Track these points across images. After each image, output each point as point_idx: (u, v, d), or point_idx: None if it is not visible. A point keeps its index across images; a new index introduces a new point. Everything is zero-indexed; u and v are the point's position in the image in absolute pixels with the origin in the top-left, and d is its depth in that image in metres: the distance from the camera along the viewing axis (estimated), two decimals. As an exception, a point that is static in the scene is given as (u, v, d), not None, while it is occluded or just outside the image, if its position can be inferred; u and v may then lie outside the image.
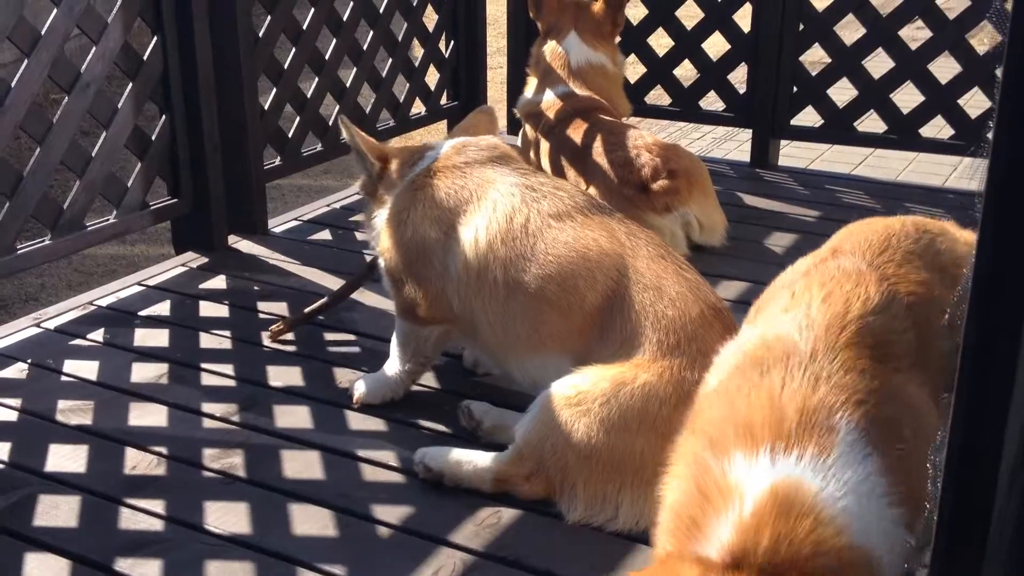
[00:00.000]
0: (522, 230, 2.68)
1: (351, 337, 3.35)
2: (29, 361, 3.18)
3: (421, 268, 2.83)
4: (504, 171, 2.84)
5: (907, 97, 4.88)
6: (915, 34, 5.02)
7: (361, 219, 4.25)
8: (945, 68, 4.71)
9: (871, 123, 5.10)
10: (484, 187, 2.79)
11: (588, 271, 2.60)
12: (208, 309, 3.56)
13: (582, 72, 4.51)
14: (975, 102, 4.77)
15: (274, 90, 4.31)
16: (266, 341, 3.30)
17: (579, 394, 2.43)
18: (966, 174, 6.32)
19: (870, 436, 1.74)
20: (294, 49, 4.36)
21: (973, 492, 1.18)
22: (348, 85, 4.67)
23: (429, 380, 3.08)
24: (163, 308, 3.56)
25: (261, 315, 3.52)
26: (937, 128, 4.93)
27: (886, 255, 2.15)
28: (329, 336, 3.35)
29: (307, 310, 3.39)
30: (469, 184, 2.81)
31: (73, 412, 2.90)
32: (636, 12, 5.15)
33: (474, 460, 2.56)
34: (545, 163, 4.43)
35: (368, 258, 3.98)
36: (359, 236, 4.29)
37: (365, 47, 4.75)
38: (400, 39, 4.98)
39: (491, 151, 2.91)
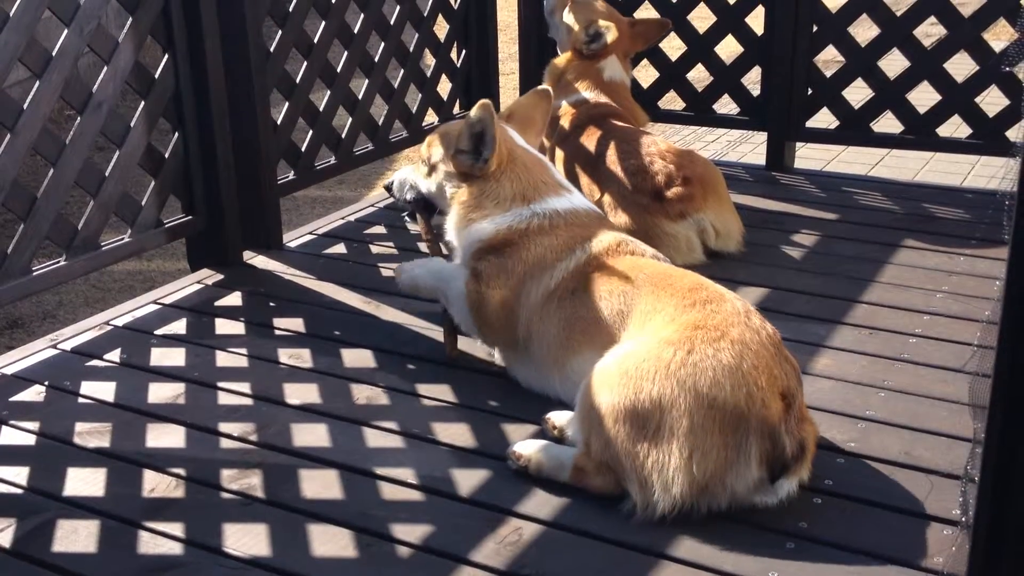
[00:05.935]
0: None
1: (368, 352, 3.34)
2: (46, 383, 3.17)
3: None
4: None
5: (923, 96, 4.84)
6: (930, 31, 4.97)
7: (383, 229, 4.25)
8: (961, 66, 4.67)
9: (887, 123, 5.05)
10: None
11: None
12: (224, 327, 3.55)
13: (612, 84, 4.60)
14: (992, 100, 4.72)
15: (286, 104, 4.30)
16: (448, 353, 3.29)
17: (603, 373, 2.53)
18: (985, 173, 6.27)
19: None
20: (306, 62, 4.35)
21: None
22: (360, 97, 4.66)
23: (447, 395, 3.06)
24: (179, 326, 3.55)
25: (277, 331, 3.51)
26: (954, 127, 4.88)
27: None
28: (346, 352, 3.34)
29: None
30: None
31: (91, 435, 2.89)
32: (648, 16, 5.11)
33: (557, 453, 2.63)
34: (560, 171, 4.40)
35: (384, 272, 3.98)
36: (374, 249, 4.27)
37: (376, 59, 4.73)
38: (411, 50, 4.96)
39: None
